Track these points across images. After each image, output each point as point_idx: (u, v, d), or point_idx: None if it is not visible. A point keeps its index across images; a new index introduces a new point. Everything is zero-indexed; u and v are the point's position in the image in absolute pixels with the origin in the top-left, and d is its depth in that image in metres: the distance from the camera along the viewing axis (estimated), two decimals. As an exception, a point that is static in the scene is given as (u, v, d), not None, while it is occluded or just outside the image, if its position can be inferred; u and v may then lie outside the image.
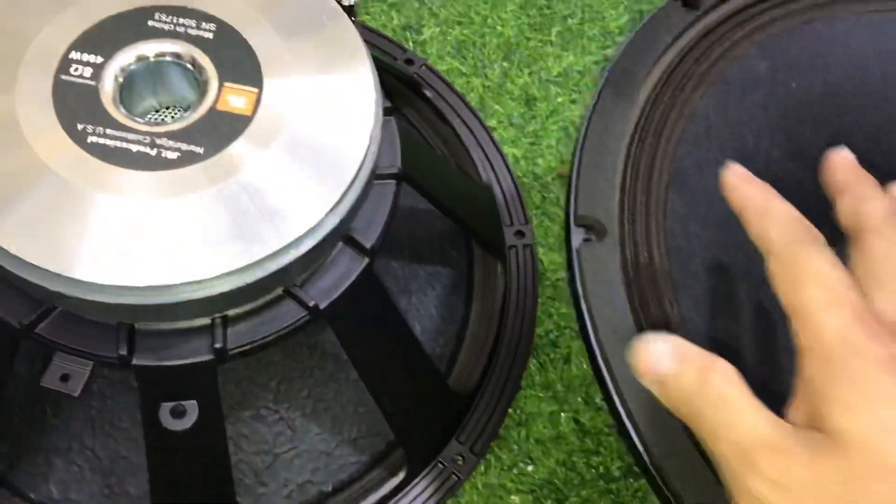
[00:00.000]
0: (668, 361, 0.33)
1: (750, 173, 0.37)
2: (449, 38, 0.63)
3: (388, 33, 0.62)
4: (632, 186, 0.42)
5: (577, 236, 0.42)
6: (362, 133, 0.37)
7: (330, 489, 0.46)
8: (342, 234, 0.38)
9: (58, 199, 0.34)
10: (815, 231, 0.34)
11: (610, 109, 0.42)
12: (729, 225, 0.38)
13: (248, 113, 0.36)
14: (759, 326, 0.41)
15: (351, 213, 0.37)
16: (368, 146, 0.37)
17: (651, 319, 0.41)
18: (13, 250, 0.33)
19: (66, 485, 0.44)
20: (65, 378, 0.36)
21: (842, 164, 0.38)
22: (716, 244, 0.42)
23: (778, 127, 0.37)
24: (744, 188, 0.36)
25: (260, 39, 0.38)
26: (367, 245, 0.39)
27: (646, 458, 0.39)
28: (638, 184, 0.42)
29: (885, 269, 0.34)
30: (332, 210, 0.35)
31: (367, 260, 0.39)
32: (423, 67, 0.59)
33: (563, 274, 0.55)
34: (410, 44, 0.63)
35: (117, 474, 0.44)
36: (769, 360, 0.39)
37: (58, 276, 0.33)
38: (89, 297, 0.34)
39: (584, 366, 0.53)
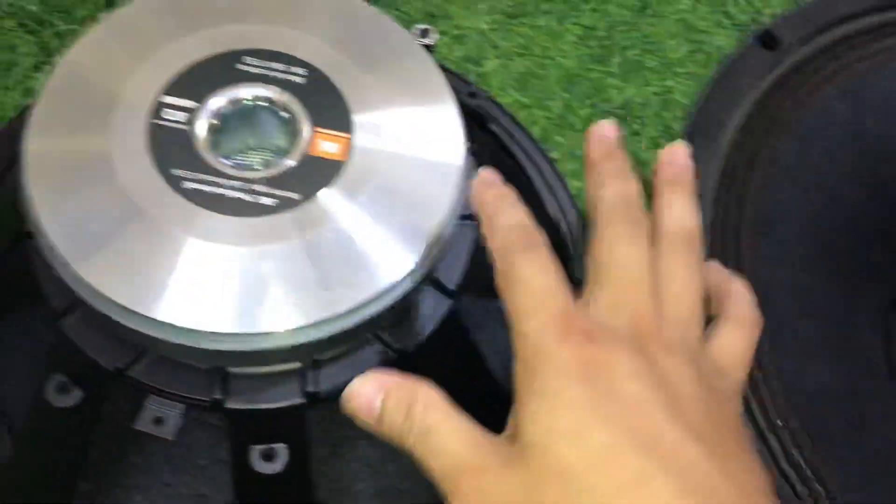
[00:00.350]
0: (378, 399, 0.32)
1: (495, 177, 0.35)
2: (510, 70, 0.63)
3: (450, 65, 0.63)
4: (720, 234, 0.42)
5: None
6: (451, 176, 0.37)
7: (406, 527, 0.46)
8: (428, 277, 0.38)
9: (154, 244, 0.35)
10: (534, 236, 0.32)
11: (694, 154, 0.42)
12: (816, 270, 0.37)
13: (341, 158, 0.37)
14: (852, 372, 0.41)
15: (439, 257, 0.37)
16: (456, 189, 0.37)
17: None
18: (111, 295, 0.34)
19: (145, 521, 0.45)
20: (158, 421, 0.37)
21: (597, 139, 0.35)
22: (802, 289, 0.42)
23: (857, 168, 0.37)
24: (480, 195, 0.34)
25: (348, 83, 0.39)
26: (451, 286, 0.39)
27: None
28: (725, 229, 0.42)
29: (605, 263, 0.32)
30: (423, 256, 0.36)
31: (451, 301, 0.39)
32: (486, 100, 0.59)
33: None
34: (472, 76, 0.63)
35: (197, 512, 0.44)
36: (860, 407, 0.39)
37: (154, 321, 0.34)
38: (186, 343, 0.34)
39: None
